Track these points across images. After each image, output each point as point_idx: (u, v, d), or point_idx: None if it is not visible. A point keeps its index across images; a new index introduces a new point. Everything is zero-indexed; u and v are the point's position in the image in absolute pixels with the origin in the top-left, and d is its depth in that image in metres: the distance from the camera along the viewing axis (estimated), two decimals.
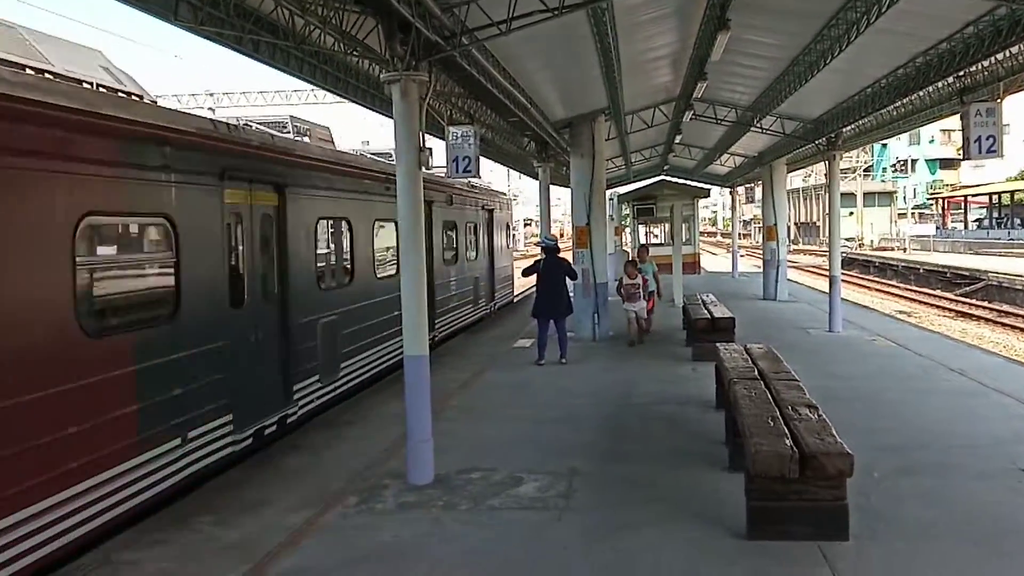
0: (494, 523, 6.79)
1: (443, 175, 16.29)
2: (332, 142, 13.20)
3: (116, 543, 6.54)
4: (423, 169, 7.88)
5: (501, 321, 21.31)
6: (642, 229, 36.03)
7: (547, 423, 10.04)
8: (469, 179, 19.61)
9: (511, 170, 36.18)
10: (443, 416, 9.93)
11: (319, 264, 10.84)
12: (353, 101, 11.91)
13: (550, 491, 7.47)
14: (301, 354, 10.07)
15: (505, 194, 27.69)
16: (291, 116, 12.05)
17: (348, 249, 12.07)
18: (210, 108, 36.69)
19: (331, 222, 11.49)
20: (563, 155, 19.19)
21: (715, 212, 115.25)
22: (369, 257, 12.76)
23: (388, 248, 13.75)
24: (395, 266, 13.38)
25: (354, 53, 9.47)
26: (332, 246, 11.62)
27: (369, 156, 14.78)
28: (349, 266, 12.08)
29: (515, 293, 27.19)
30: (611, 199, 33.44)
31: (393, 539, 6.51)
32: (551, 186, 21.88)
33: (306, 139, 11.73)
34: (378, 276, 13.03)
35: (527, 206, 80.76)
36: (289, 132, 11.74)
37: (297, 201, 10.03)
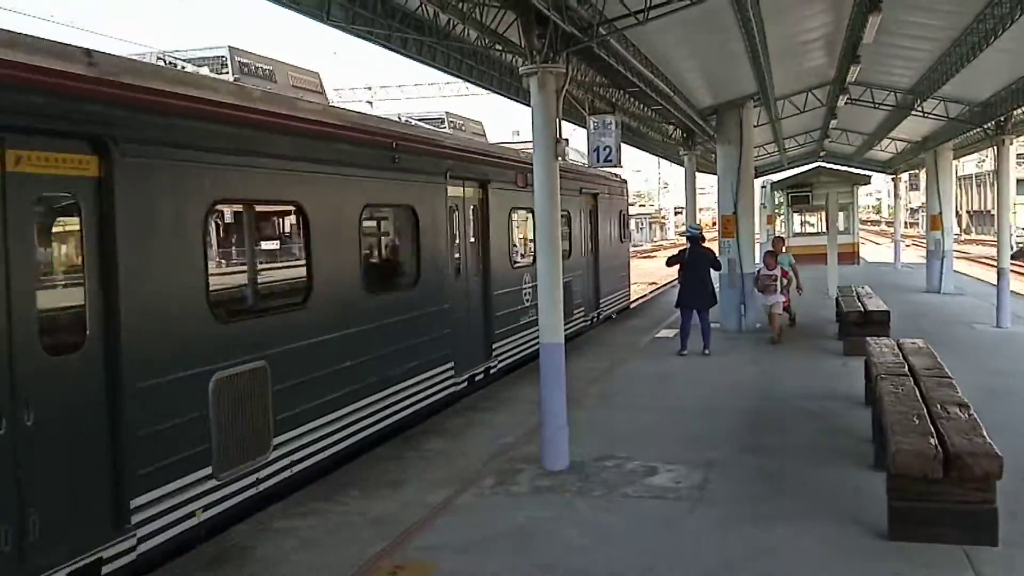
0: (626, 510, 6.86)
1: (515, 145, 13.92)
2: (323, 93, 9.38)
3: (272, 512, 7.03)
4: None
5: (643, 311, 21.18)
6: (796, 218, 34.80)
7: (685, 414, 9.98)
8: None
9: (660, 159, 35.81)
10: (581, 404, 10.01)
11: (216, 279, 6.84)
12: (495, 92, 12.17)
13: (684, 482, 7.46)
14: (157, 440, 5.81)
15: (616, 176, 19.91)
16: (230, 47, 8.39)
17: (303, 253, 7.83)
18: (368, 101, 38.30)
19: (252, 211, 7.48)
20: (710, 142, 18.88)
21: (879, 200, 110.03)
22: (350, 262, 8.47)
23: (390, 247, 10.32)
24: (414, 272, 9.88)
25: (495, 48, 9.70)
26: (256, 248, 7.61)
27: (413, 120, 11.46)
28: (305, 279, 7.79)
29: (634, 297, 22.85)
30: (763, 186, 32.50)
31: (527, 521, 6.68)
32: (699, 174, 21.55)
33: (240, 78, 8.00)
34: (369, 290, 8.82)
35: (676, 194, 79.70)
36: (228, 72, 8.06)
37: (151, 172, 5.89)
